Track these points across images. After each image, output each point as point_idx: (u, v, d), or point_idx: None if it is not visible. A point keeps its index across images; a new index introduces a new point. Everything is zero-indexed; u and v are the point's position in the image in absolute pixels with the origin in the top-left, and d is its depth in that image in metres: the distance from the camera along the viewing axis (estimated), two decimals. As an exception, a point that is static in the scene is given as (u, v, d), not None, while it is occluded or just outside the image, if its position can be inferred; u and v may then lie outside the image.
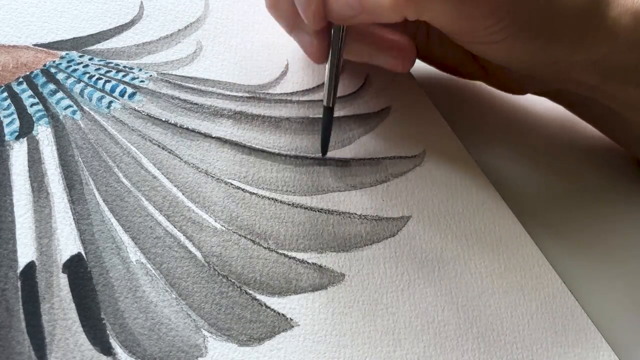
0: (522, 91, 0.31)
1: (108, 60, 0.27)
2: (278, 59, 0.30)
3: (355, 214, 0.25)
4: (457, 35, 0.25)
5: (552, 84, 0.29)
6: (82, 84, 0.26)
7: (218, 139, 0.26)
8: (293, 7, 0.24)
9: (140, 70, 0.27)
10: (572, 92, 0.29)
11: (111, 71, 0.27)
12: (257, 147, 0.26)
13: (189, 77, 0.28)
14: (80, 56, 0.27)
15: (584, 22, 0.24)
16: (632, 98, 0.27)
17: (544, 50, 0.25)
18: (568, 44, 0.25)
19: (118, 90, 0.26)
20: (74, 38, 0.28)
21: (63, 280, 0.20)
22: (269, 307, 0.21)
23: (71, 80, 0.26)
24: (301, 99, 0.29)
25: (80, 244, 0.21)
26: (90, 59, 0.27)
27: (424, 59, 0.32)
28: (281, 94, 0.29)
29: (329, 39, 0.25)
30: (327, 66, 0.25)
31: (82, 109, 0.25)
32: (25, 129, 0.24)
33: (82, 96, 0.26)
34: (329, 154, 0.27)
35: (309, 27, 0.25)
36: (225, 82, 0.28)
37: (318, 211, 0.25)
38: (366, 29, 0.26)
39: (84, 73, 0.26)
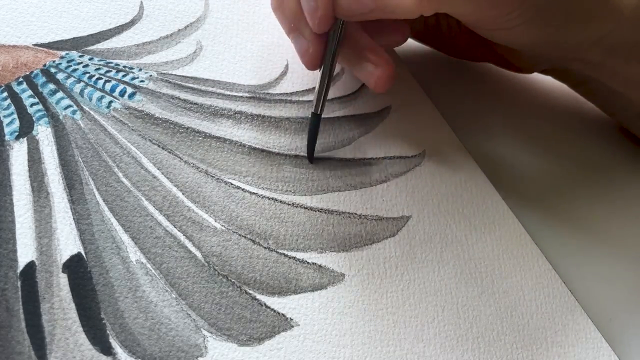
0: (529, 70, 0.32)
1: (108, 60, 0.27)
2: (278, 59, 0.30)
3: (355, 214, 0.25)
4: (477, 23, 0.26)
5: (558, 63, 0.30)
6: (82, 83, 0.26)
7: (218, 138, 0.26)
8: (298, 7, 0.24)
9: (140, 70, 0.27)
10: (576, 71, 0.30)
11: (111, 71, 0.27)
12: (257, 147, 0.26)
13: (189, 77, 0.28)
14: (80, 56, 0.27)
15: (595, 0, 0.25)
16: (634, 75, 0.27)
17: (558, 31, 0.25)
18: (580, 23, 0.25)
19: (118, 90, 0.26)
20: (74, 38, 0.28)
21: (63, 280, 0.20)
22: (269, 307, 0.21)
23: (71, 80, 0.26)
24: (301, 99, 0.29)
25: (80, 244, 0.21)
26: (90, 59, 0.27)
27: (432, 44, 0.33)
28: (281, 94, 0.29)
29: (325, 45, 0.25)
30: (320, 72, 0.25)
31: (82, 109, 0.25)
32: (25, 129, 0.24)
33: (82, 96, 0.26)
34: (329, 154, 0.27)
35: (311, 28, 0.24)
36: (225, 82, 0.28)
37: (318, 211, 0.25)
38: (355, 37, 0.26)
39: (84, 73, 0.26)
